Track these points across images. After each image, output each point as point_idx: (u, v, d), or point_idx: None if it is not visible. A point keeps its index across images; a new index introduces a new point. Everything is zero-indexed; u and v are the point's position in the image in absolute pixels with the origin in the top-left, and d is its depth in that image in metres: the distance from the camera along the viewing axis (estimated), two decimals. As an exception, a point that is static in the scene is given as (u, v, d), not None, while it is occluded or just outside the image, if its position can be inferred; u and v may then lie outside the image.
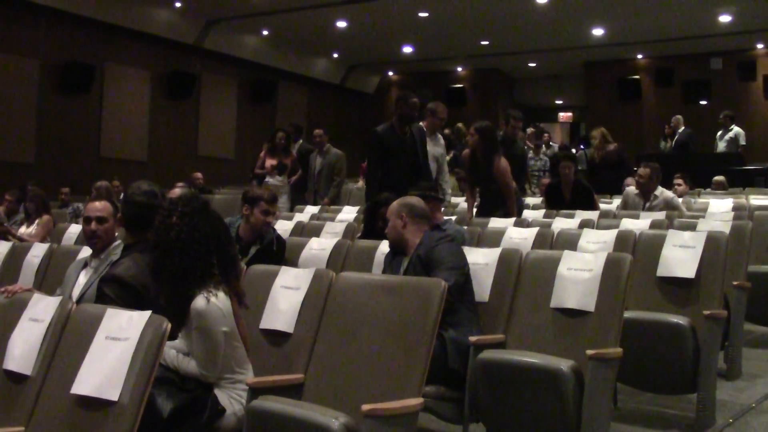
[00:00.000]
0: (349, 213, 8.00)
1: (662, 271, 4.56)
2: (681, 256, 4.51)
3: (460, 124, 13.45)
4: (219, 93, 18.77)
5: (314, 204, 9.71)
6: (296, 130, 11.61)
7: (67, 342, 2.94)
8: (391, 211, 4.31)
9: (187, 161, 17.11)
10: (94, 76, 15.61)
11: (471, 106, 20.85)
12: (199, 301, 3.14)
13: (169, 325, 2.70)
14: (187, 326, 3.19)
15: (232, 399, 3.18)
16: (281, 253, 5.15)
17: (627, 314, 3.86)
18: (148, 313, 2.73)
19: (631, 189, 8.09)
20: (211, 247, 3.24)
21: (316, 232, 6.24)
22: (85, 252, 4.66)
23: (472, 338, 3.78)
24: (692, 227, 5.49)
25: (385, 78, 23.29)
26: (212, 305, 3.14)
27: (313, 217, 7.91)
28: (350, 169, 11.91)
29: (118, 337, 2.71)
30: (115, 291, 3.52)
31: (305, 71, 21.02)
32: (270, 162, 10.24)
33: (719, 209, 7.66)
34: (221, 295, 3.19)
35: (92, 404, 2.64)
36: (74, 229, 7.03)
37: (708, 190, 11.10)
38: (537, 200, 9.58)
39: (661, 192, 7.68)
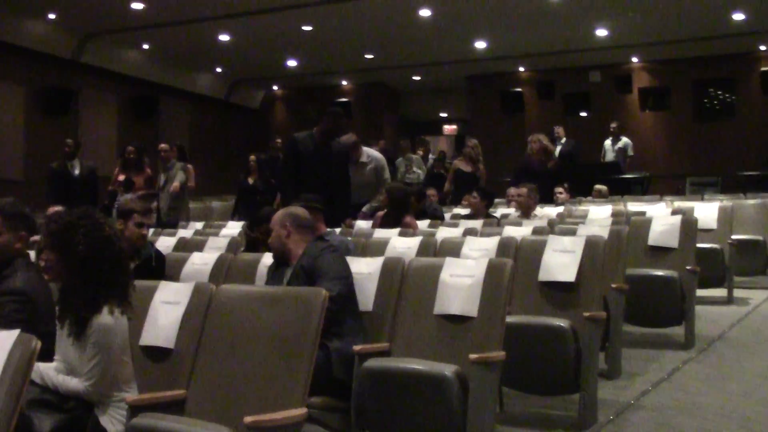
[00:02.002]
0: (233, 228, 7.90)
1: (543, 275, 4.66)
2: (561, 261, 4.62)
3: None
4: (99, 109, 18.28)
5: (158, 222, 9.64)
6: (180, 149, 11.48)
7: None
8: (275, 221, 4.28)
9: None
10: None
11: (357, 120, 20.93)
12: (103, 317, 3.08)
13: (39, 344, 2.58)
14: (81, 340, 3.09)
15: (113, 419, 3.09)
16: (161, 269, 5.03)
17: (509, 319, 3.92)
18: (16, 332, 2.61)
19: (512, 211, 8.32)
20: (112, 262, 3.20)
21: (199, 247, 6.14)
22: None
23: (356, 347, 3.77)
24: (572, 233, 5.64)
25: (270, 93, 23.18)
26: (115, 320, 3.10)
27: (196, 232, 7.78)
28: (224, 186, 12.22)
29: (-16, 358, 2.58)
30: (17, 306, 3.35)
31: (188, 86, 20.71)
32: (119, 177, 9.97)
33: (599, 216, 7.91)
34: (118, 310, 3.13)
35: (-44, 429, 2.50)
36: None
37: (590, 198, 11.46)
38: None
39: (541, 212, 7.91)
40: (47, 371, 3.09)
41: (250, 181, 12.50)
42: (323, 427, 3.81)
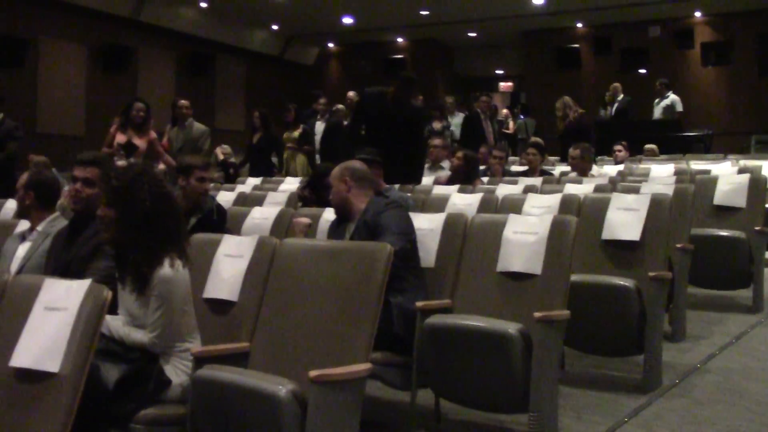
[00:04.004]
0: (291, 183, 7.91)
1: (607, 234, 4.58)
2: (625, 219, 4.53)
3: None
4: (157, 66, 18.41)
5: None
6: (265, 117, 10.85)
7: (4, 314, 2.84)
8: (334, 175, 4.23)
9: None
10: (27, 50, 15.19)
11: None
12: (165, 269, 3.10)
13: (110, 294, 2.62)
14: (144, 294, 3.12)
15: (177, 369, 3.12)
16: (222, 223, 5.05)
17: (573, 277, 3.85)
18: (87, 282, 2.65)
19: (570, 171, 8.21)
20: (171, 216, 3.23)
21: (259, 202, 6.16)
22: (22, 226, 4.54)
23: (419, 303, 3.75)
24: (635, 191, 5.53)
25: (325, 49, 23.09)
26: (176, 272, 3.12)
27: (255, 187, 7.81)
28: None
29: (57, 308, 2.62)
30: (110, 264, 3.41)
31: (244, 44, 20.71)
32: (120, 140, 8.02)
33: (660, 174, 7.75)
34: (179, 263, 3.15)
35: (32, 376, 2.56)
36: (10, 204, 6.83)
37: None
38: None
39: (599, 172, 7.78)
40: (113, 322, 3.13)
41: (254, 139, 11.03)
42: (384, 382, 3.81)
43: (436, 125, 12.85)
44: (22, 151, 9.98)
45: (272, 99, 20.89)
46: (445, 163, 8.65)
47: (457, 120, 13.88)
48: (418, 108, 7.64)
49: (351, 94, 11.67)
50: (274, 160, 10.97)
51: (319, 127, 11.08)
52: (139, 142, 8.03)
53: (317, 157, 10.89)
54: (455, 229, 4.09)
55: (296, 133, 10.73)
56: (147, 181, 3.21)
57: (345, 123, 10.62)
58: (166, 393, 3.07)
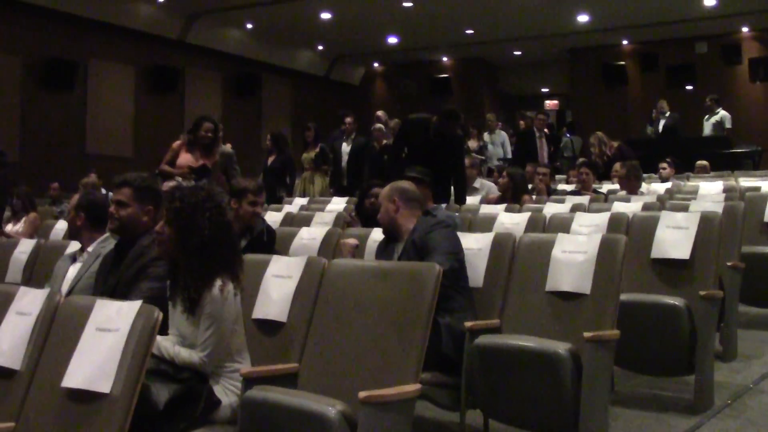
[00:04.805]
0: (338, 204, 7.93)
1: (656, 252, 4.52)
2: (675, 237, 4.47)
3: None
4: (204, 87, 18.66)
5: None
6: (275, 139, 10.60)
7: (56, 334, 2.88)
8: (383, 195, 4.25)
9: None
10: (77, 72, 15.49)
11: (456, 96, 20.81)
12: (216, 289, 3.12)
13: (161, 315, 2.64)
14: (195, 314, 3.15)
15: (227, 390, 3.13)
16: (271, 244, 5.08)
17: (622, 296, 3.81)
18: (138, 303, 2.67)
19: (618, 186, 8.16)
20: (227, 245, 3.26)
21: (306, 222, 6.19)
22: (73, 247, 4.61)
23: (468, 324, 3.73)
24: (684, 209, 5.45)
25: (370, 69, 23.21)
26: (227, 294, 3.14)
27: (302, 207, 7.85)
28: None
29: (109, 328, 2.65)
30: (162, 268, 3.46)
31: (290, 64, 20.92)
32: (186, 160, 7.42)
33: (710, 191, 7.64)
34: (231, 285, 3.18)
35: (84, 397, 2.58)
36: (61, 225, 6.95)
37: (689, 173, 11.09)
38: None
39: (648, 189, 7.71)
40: (163, 342, 3.15)
41: (269, 162, 10.60)
42: (433, 402, 3.79)
43: (472, 144, 12.81)
44: (70, 174, 10.03)
45: (318, 119, 21.06)
46: (477, 182, 8.66)
47: (497, 138, 13.81)
48: (459, 138, 7.74)
49: (380, 113, 11.54)
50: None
51: (345, 147, 10.83)
52: (209, 164, 7.55)
53: (345, 178, 10.70)
54: (503, 248, 4.08)
55: (314, 153, 10.59)
56: (209, 208, 3.23)
57: (376, 144, 10.50)
58: (216, 413, 3.08)
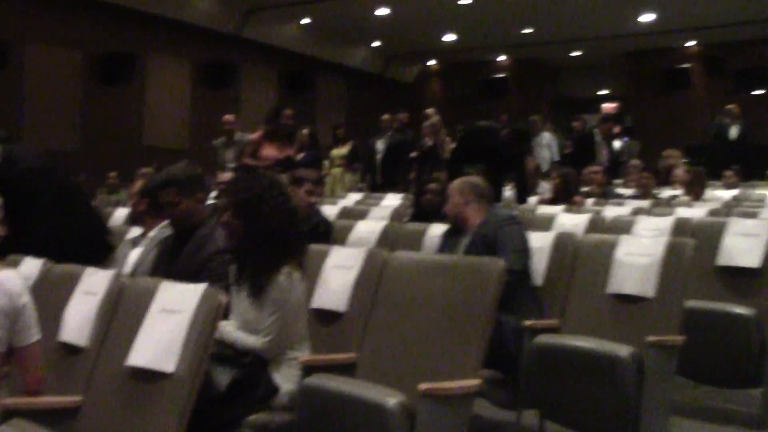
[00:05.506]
0: (393, 200, 7.91)
1: (723, 259, 4.41)
2: (744, 245, 4.35)
3: None
4: (259, 82, 18.75)
5: None
6: (314, 136, 10.38)
7: (122, 314, 2.90)
8: (453, 188, 4.26)
9: (228, 149, 17.14)
10: (135, 66, 15.71)
11: (512, 97, 20.64)
12: (282, 275, 3.14)
13: (225, 298, 2.65)
14: (260, 299, 3.16)
15: (286, 377, 3.13)
16: (328, 236, 5.07)
17: (687, 303, 3.73)
18: (203, 286, 2.68)
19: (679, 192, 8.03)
20: (294, 231, 3.29)
21: (362, 216, 6.17)
22: (134, 232, 4.65)
23: (527, 322, 3.69)
24: (753, 216, 5.33)
25: (426, 67, 23.14)
26: (293, 279, 3.15)
27: (357, 202, 7.84)
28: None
29: (173, 310, 2.66)
30: (224, 264, 3.46)
31: (344, 61, 20.94)
32: (269, 151, 7.21)
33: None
34: (296, 273, 3.19)
35: (148, 376, 2.60)
36: (120, 213, 7.03)
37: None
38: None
39: (712, 196, 7.59)
40: (225, 327, 3.16)
41: (299, 157, 9.99)
42: (489, 400, 3.75)
43: None
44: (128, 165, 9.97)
45: (372, 117, 21.11)
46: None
47: (540, 140, 13.55)
48: (523, 150, 8.09)
49: (430, 111, 11.41)
50: None
51: (380, 144, 10.74)
52: (292, 154, 7.39)
53: (377, 176, 10.60)
54: (565, 248, 4.03)
55: (345, 150, 10.43)
56: (274, 196, 3.26)
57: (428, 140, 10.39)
58: (275, 399, 3.08)
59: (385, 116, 10.69)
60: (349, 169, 10.42)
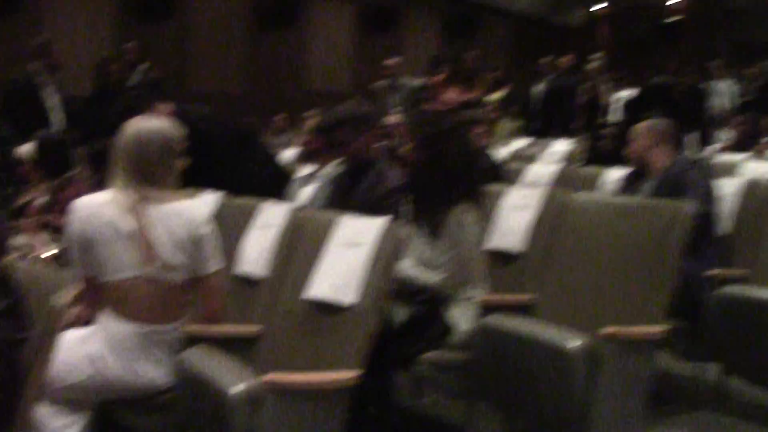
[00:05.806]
0: (563, 145, 7.66)
1: None
2: None
3: None
4: (421, 28, 18.66)
5: None
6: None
7: (300, 247, 2.91)
8: (639, 130, 4.08)
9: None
10: (298, 10, 15.95)
11: (686, 42, 19.67)
12: (461, 215, 3.09)
13: (406, 232, 2.62)
14: (438, 237, 3.12)
15: (463, 315, 3.08)
16: (497, 179, 4.97)
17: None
18: (385, 220, 2.66)
19: None
20: (473, 166, 3.27)
21: (532, 159, 6.04)
22: (304, 170, 4.71)
23: (713, 271, 3.50)
24: None
25: (593, 11, 22.36)
26: (471, 217, 3.12)
27: (528, 145, 7.63)
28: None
29: (354, 243, 2.65)
30: (396, 204, 3.47)
31: (509, 5, 20.51)
32: (450, 95, 6.63)
33: None
34: (474, 212, 3.14)
35: (328, 308, 2.61)
36: (288, 153, 7.12)
37: None
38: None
39: None
40: (404, 262, 3.14)
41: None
42: (668, 350, 3.60)
43: None
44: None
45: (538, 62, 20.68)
46: None
47: (719, 86, 12.80)
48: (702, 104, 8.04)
49: (597, 56, 10.91)
50: None
51: (535, 89, 10.39)
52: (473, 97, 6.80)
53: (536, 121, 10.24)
54: (757, 195, 3.78)
55: (497, 95, 10.05)
56: (460, 135, 3.23)
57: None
58: (450, 338, 3.05)
59: (545, 59, 10.33)
60: (506, 113, 10.17)
